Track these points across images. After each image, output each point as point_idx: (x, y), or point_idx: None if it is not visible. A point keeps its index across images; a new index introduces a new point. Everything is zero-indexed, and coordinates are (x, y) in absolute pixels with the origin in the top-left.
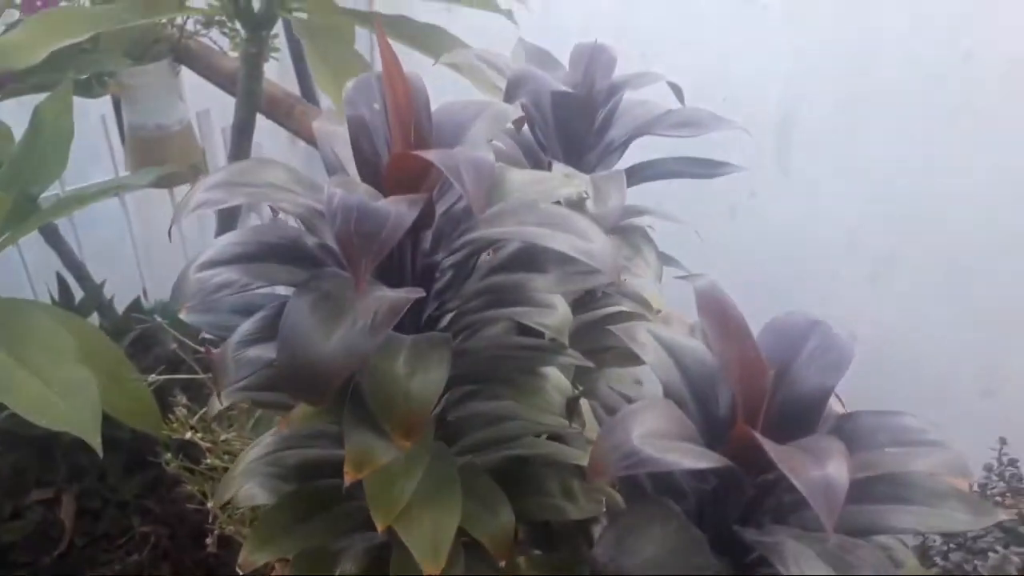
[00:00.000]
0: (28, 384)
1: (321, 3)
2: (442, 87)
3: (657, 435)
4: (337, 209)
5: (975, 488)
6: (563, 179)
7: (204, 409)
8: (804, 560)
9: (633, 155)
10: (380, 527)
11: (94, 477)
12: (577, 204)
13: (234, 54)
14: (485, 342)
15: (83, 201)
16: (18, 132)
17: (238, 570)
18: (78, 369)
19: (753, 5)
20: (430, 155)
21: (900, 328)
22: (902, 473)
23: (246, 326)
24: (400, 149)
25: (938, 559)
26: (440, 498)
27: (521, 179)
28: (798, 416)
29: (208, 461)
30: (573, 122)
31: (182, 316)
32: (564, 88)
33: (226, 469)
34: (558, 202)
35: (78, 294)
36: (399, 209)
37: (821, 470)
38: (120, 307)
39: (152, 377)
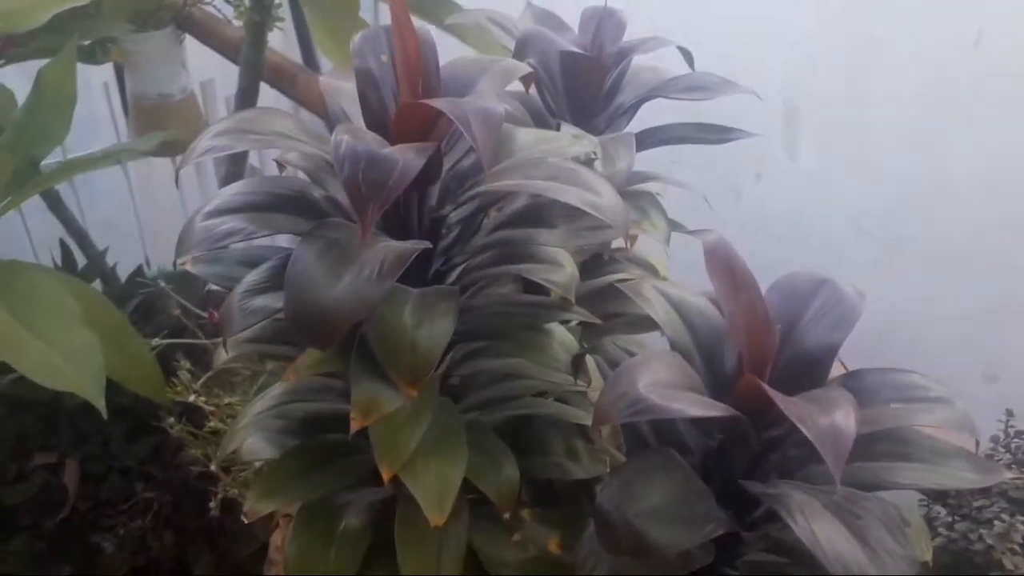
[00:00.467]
0: (32, 346)
1: None
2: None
3: (663, 384)
4: (344, 156)
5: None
6: (571, 139)
7: (208, 374)
8: (810, 511)
9: (639, 126)
10: (386, 476)
11: (97, 443)
12: (586, 165)
13: (238, 22)
14: (491, 299)
15: (86, 166)
16: (20, 99)
17: (243, 519)
18: (82, 332)
19: None
20: (438, 103)
21: (904, 313)
22: (907, 430)
23: (252, 276)
24: (408, 100)
25: (943, 529)
26: (446, 450)
27: (529, 138)
28: (804, 372)
29: (211, 424)
30: (582, 85)
31: (188, 267)
32: (574, 48)
33: None
34: None
35: (81, 262)
36: (407, 156)
37: (829, 418)
38: (122, 278)
39: (155, 341)
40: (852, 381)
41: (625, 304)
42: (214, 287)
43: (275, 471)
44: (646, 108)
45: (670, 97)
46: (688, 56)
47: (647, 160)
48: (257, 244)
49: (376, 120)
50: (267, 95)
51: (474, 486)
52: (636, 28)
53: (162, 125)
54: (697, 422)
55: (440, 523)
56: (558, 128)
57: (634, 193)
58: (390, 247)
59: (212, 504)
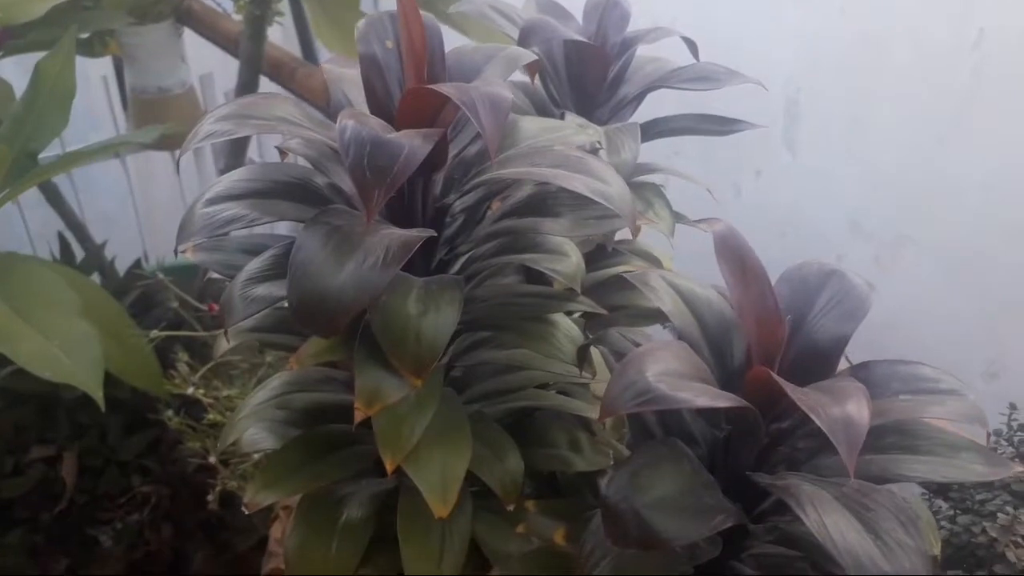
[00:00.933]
0: (30, 338)
1: None
2: None
3: (672, 374)
4: (350, 141)
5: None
6: (576, 128)
7: (207, 366)
8: (821, 503)
9: (640, 119)
10: (389, 467)
11: (95, 436)
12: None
13: (237, 16)
14: (495, 289)
15: (84, 158)
16: (17, 93)
17: (243, 510)
18: (80, 323)
19: None
20: (445, 88)
21: (904, 311)
22: (915, 422)
23: (254, 264)
24: (414, 85)
25: (945, 523)
26: (450, 440)
27: (533, 127)
28: (814, 364)
29: (210, 416)
30: (586, 75)
31: (189, 255)
32: (578, 37)
33: None
34: None
35: (79, 256)
36: (413, 142)
37: (841, 408)
38: (121, 272)
39: (154, 333)
40: (861, 373)
41: (628, 297)
42: (216, 275)
43: (276, 462)
44: (646, 102)
45: (675, 87)
46: (693, 46)
47: (647, 154)
48: (258, 232)
49: (381, 107)
50: (266, 89)
51: (476, 478)
52: (634, 25)
53: (161, 119)
54: (704, 413)
55: (444, 514)
56: (562, 118)
57: (638, 184)
58: (395, 234)
59: (210, 497)
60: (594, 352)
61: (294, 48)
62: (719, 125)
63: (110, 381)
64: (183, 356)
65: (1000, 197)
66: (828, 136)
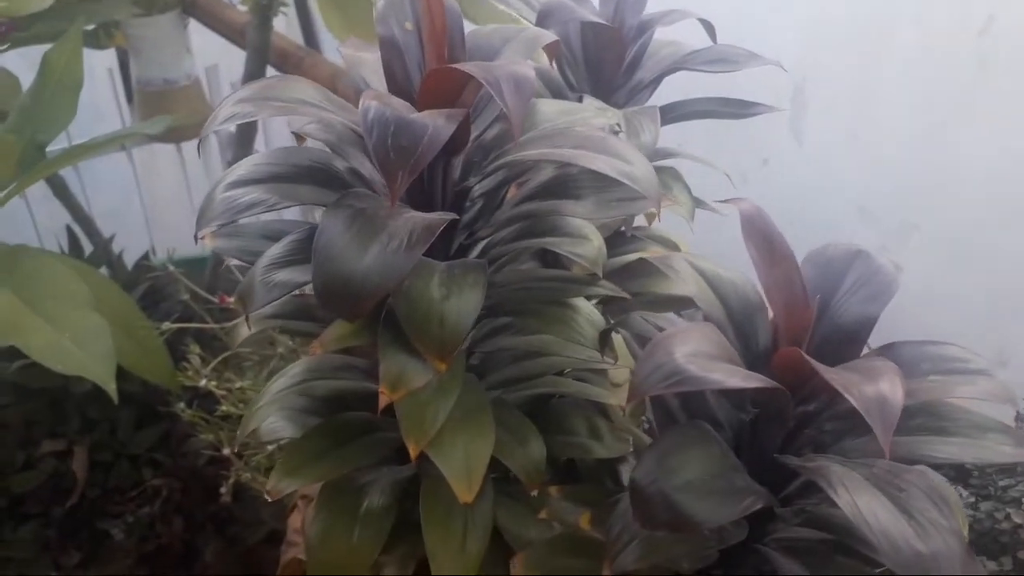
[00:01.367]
0: (41, 330)
1: None
2: None
3: (702, 355)
4: (373, 122)
5: None
6: (595, 111)
7: (220, 357)
8: (852, 484)
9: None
10: (413, 452)
11: (106, 430)
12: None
13: (243, 6)
14: (515, 274)
15: (91, 150)
16: (23, 85)
17: (266, 497)
18: (92, 316)
19: None
20: (469, 67)
21: (911, 299)
22: (942, 403)
23: (275, 249)
24: (436, 66)
25: (967, 509)
26: (473, 425)
27: (552, 109)
28: (840, 346)
29: (223, 408)
30: (603, 58)
31: (208, 241)
32: (597, 19)
33: (240, 417)
34: None
35: (87, 250)
36: (437, 122)
37: (875, 387)
38: (128, 265)
39: (165, 325)
40: (887, 353)
41: (644, 284)
42: (234, 262)
43: (298, 450)
44: (661, 86)
45: (693, 69)
46: (710, 28)
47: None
48: (265, 219)
49: (401, 89)
50: None
51: (495, 464)
52: (646, 10)
53: (167, 111)
54: (730, 396)
55: (469, 500)
56: (580, 102)
57: (657, 169)
58: (418, 218)
59: (224, 489)
60: (614, 338)
61: (296, 36)
62: (738, 108)
63: (121, 375)
64: (195, 348)
65: (1007, 184)
66: (834, 124)
